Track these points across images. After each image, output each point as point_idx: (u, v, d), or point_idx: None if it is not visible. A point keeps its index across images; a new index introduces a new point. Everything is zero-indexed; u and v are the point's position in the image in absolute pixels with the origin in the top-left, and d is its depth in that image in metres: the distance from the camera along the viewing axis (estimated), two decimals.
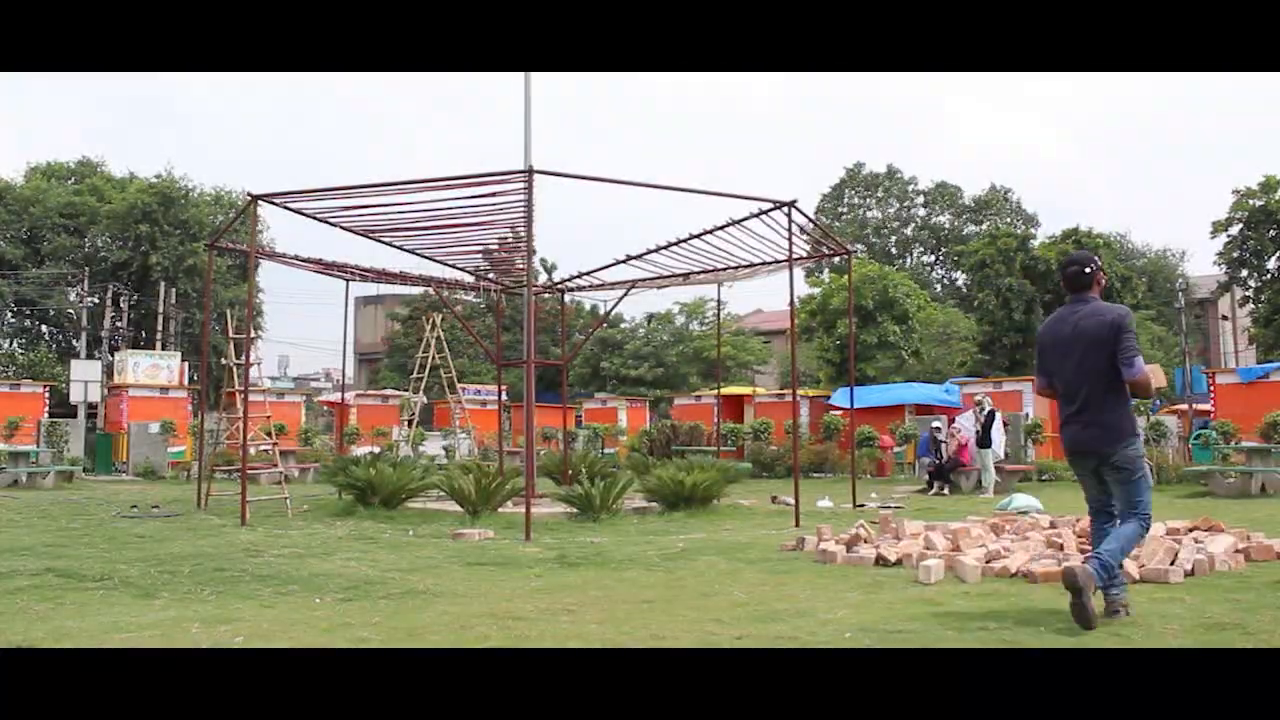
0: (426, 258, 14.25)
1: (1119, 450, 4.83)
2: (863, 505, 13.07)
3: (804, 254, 14.46)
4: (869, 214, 52.31)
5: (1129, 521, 4.90)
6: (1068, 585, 4.60)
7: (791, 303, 12.60)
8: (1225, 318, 40.33)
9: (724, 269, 14.37)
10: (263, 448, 14.85)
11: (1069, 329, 4.95)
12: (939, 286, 49.31)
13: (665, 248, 13.31)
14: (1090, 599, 4.59)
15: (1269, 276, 31.81)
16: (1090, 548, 7.00)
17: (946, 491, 15.64)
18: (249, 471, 12.06)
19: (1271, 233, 31.10)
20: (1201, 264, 43.35)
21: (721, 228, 12.32)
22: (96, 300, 35.39)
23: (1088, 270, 4.94)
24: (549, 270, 37.09)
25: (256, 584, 6.42)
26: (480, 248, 14.18)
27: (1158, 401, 18.47)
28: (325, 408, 34.93)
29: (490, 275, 16.00)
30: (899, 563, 6.90)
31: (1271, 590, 5.69)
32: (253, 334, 12.94)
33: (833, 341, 29.80)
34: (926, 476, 16.53)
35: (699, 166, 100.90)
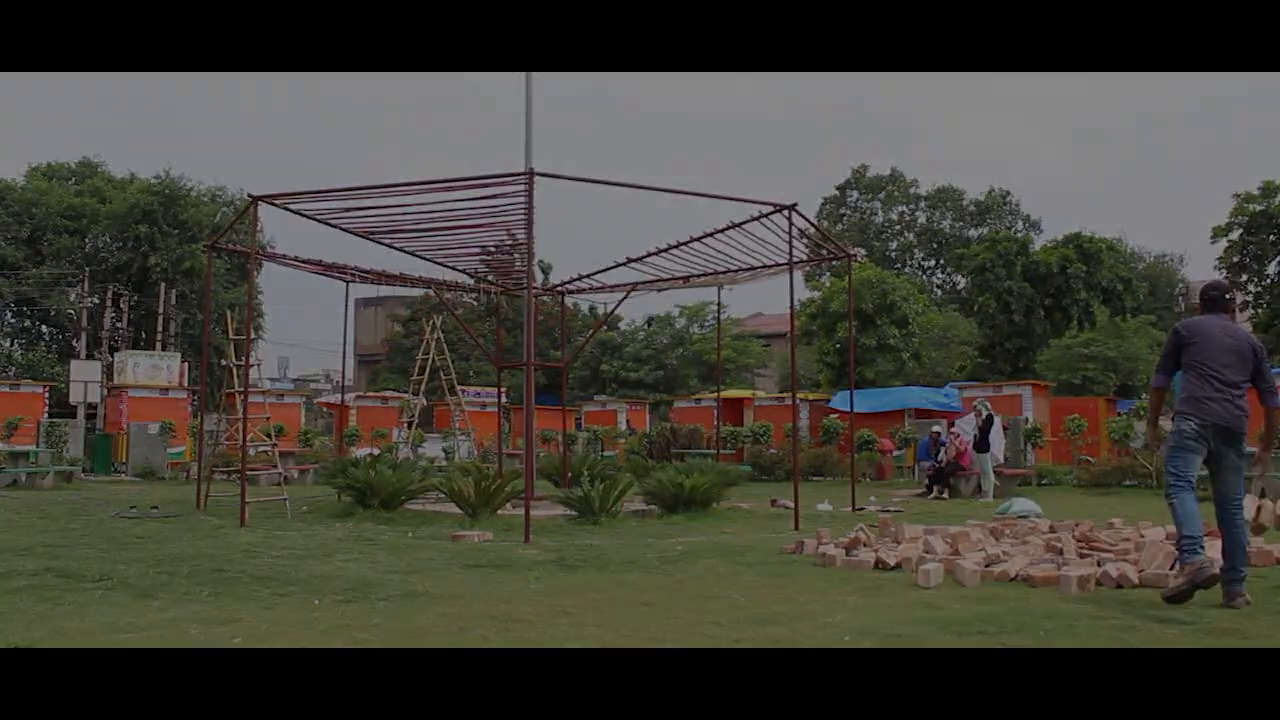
0: (426, 259, 14.24)
1: (1245, 432, 5.56)
2: (862, 509, 13.06)
3: (804, 257, 14.46)
4: (873, 217, 52.25)
5: (1235, 512, 5.51)
6: (1204, 585, 5.24)
7: (791, 306, 12.61)
8: None
9: (724, 272, 14.38)
10: (262, 449, 14.84)
11: (1220, 331, 5.61)
12: (939, 291, 49.27)
13: (666, 250, 13.31)
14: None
15: (1269, 281, 31.81)
16: (1091, 552, 7.02)
17: (946, 495, 15.63)
18: (248, 472, 12.06)
19: (1271, 237, 31.10)
20: (1201, 268, 43.41)
21: (722, 230, 12.33)
22: (96, 301, 35.40)
23: (1228, 296, 5.91)
24: (545, 271, 37.08)
25: (255, 585, 6.41)
26: (480, 249, 14.17)
27: None
28: (325, 409, 34.94)
29: (490, 277, 16.00)
30: (898, 566, 6.90)
31: (1270, 595, 5.69)
32: (252, 335, 12.93)
33: (833, 345, 29.78)
34: (926, 480, 16.53)
35: (700, 168, 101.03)
